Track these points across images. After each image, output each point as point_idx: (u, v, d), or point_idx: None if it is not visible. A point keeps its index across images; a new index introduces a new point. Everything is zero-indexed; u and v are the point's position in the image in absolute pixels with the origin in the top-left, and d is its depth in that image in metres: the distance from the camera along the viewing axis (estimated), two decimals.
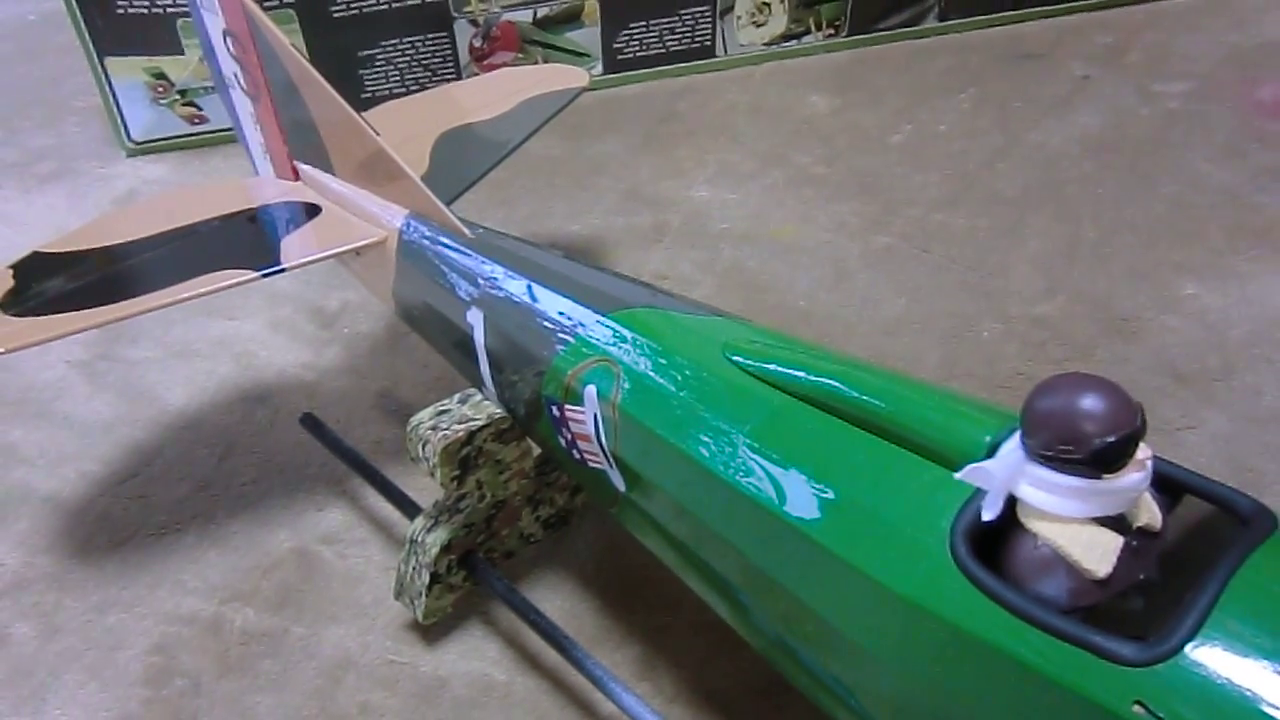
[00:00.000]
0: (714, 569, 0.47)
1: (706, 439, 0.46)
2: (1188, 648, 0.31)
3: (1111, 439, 0.33)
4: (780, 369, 0.46)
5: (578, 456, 0.54)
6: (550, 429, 0.55)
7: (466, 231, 0.61)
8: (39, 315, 0.59)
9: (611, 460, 0.51)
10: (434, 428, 0.58)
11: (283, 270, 0.62)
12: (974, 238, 0.91)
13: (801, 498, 0.42)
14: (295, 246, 0.64)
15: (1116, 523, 0.34)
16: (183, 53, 1.07)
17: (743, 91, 1.16)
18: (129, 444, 0.76)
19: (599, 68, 1.17)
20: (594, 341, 0.52)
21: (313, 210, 0.68)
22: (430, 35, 1.11)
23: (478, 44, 1.13)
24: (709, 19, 1.17)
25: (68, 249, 0.66)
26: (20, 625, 0.64)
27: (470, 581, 0.62)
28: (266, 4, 1.03)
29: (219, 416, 0.78)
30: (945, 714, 0.37)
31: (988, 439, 0.38)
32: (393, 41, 1.10)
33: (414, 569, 0.60)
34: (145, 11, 1.04)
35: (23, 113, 1.20)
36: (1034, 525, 0.35)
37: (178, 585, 0.66)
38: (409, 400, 0.78)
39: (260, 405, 0.78)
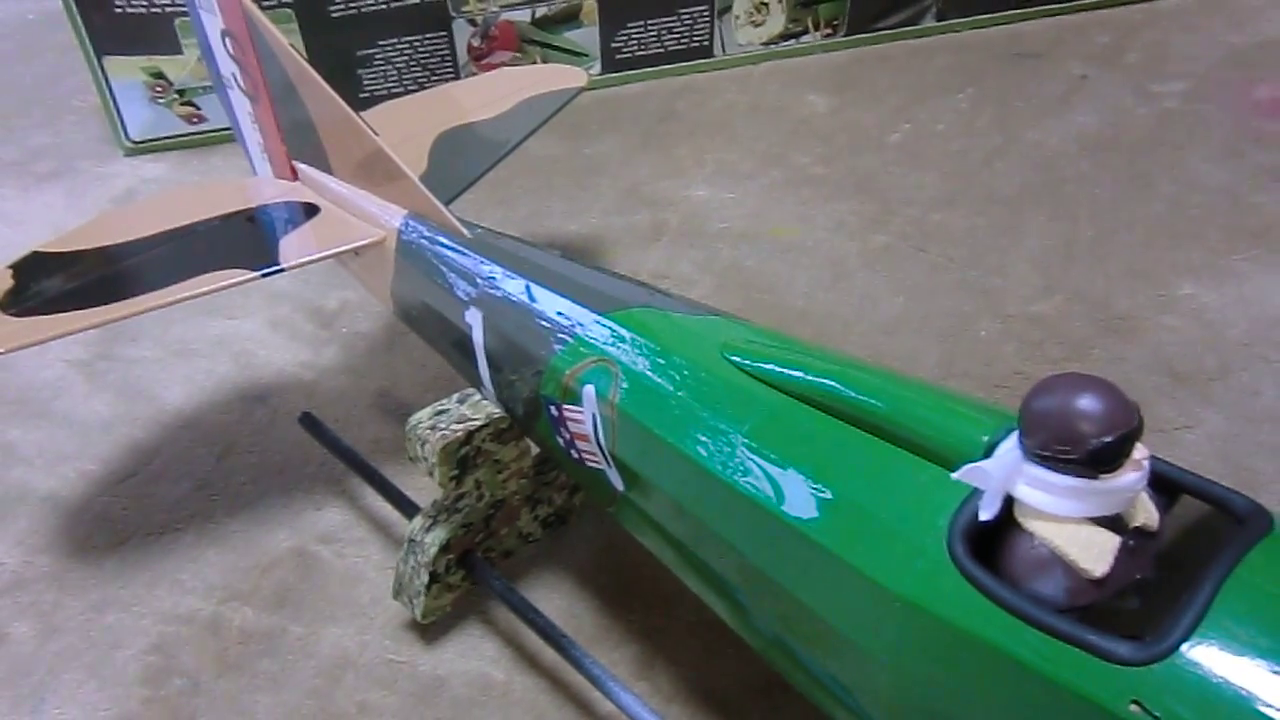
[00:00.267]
0: (712, 568, 0.47)
1: (704, 439, 0.46)
2: (1184, 647, 0.31)
3: (1108, 439, 0.33)
4: (778, 369, 0.46)
5: (576, 456, 0.54)
6: (548, 429, 0.55)
7: (465, 231, 0.61)
8: (38, 315, 0.59)
9: (610, 460, 0.51)
10: (432, 427, 0.58)
11: (281, 270, 0.62)
12: (972, 237, 0.91)
13: (799, 497, 0.42)
14: (294, 246, 0.64)
15: (1113, 522, 0.34)
16: (181, 52, 1.07)
17: (741, 91, 1.16)
18: (128, 443, 0.76)
19: (597, 67, 1.17)
20: (592, 341, 0.52)
21: (311, 210, 0.68)
22: (429, 35, 1.11)
23: (476, 44, 1.13)
24: (707, 19, 1.17)
25: (66, 248, 0.65)
26: (19, 624, 0.64)
27: (469, 581, 0.62)
28: (265, 4, 1.03)
29: (218, 416, 0.78)
30: (942, 713, 0.37)
31: (985, 439, 0.38)
32: (391, 41, 1.10)
33: (412, 568, 0.60)
34: (144, 11, 1.04)
35: (21, 112, 1.20)
36: (1031, 525, 0.35)
37: (176, 584, 0.66)
38: (407, 400, 0.78)
39: (259, 405, 0.79)
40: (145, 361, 0.83)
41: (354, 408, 0.77)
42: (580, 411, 0.52)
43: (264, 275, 0.62)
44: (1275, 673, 0.30)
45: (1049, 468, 0.34)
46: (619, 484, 0.51)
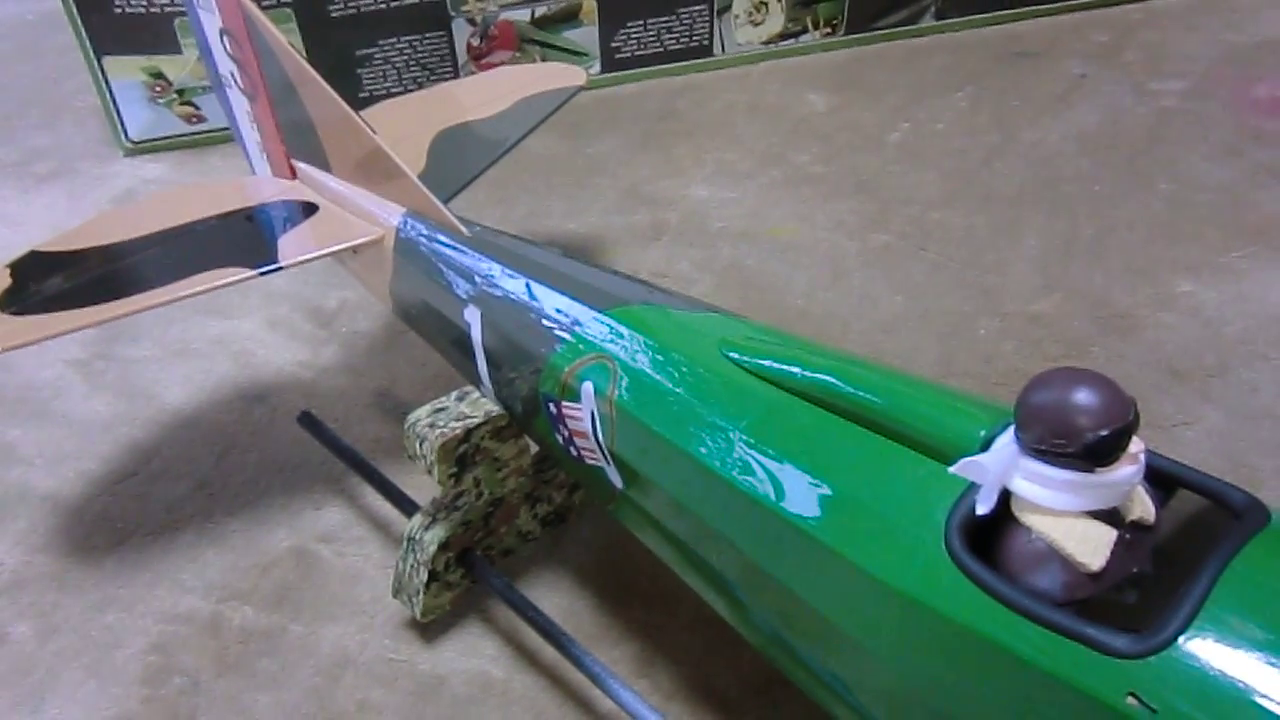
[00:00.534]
0: (711, 565, 0.47)
1: (703, 435, 0.46)
2: (1181, 640, 0.31)
3: (1104, 433, 0.33)
4: (776, 365, 0.46)
5: (575, 454, 0.54)
6: (547, 426, 0.55)
7: (464, 229, 0.61)
8: (37, 314, 0.59)
9: (609, 457, 0.51)
10: (431, 425, 0.58)
11: (280, 268, 0.62)
12: (971, 235, 0.91)
13: (798, 493, 0.42)
14: (293, 245, 0.64)
15: (1110, 516, 0.34)
16: (180, 52, 1.07)
17: (740, 90, 1.16)
18: (127, 443, 0.76)
19: (597, 67, 1.17)
20: (591, 338, 0.52)
21: (310, 209, 0.68)
22: (428, 34, 1.11)
23: (475, 43, 1.13)
24: (706, 18, 1.17)
25: (66, 248, 0.66)
26: (19, 624, 0.64)
27: (468, 579, 0.62)
28: (264, 3, 1.03)
29: (217, 415, 0.78)
30: (941, 707, 0.37)
31: (982, 433, 0.38)
32: (390, 40, 1.11)
33: (412, 567, 0.60)
34: (143, 11, 1.04)
35: (21, 112, 1.20)
36: (1028, 519, 0.35)
37: (176, 584, 0.66)
38: (406, 398, 0.78)
39: (258, 404, 0.79)
40: (145, 361, 0.83)
41: (353, 407, 0.78)
42: (579, 409, 0.52)
43: (263, 273, 0.62)
44: (1271, 665, 0.31)
45: (1045, 462, 0.34)
46: (618, 481, 0.51)
